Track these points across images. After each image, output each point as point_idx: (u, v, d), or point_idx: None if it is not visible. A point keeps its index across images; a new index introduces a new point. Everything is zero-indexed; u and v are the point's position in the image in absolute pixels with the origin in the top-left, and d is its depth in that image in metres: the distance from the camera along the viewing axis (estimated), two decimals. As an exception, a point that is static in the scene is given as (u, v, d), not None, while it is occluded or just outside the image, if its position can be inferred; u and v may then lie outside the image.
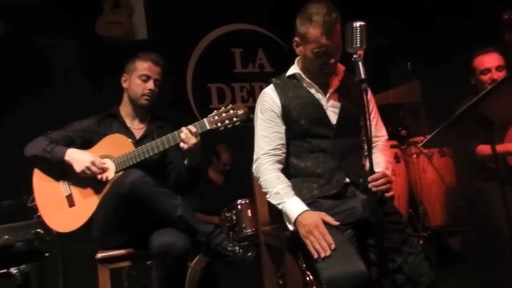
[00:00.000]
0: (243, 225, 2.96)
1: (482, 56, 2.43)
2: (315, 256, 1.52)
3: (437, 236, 3.51)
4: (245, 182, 3.53)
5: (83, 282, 2.46)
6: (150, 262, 2.78)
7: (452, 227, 3.48)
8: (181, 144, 1.93)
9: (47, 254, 2.40)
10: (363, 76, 1.52)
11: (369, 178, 1.53)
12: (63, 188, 2.01)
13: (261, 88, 4.74)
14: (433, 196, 3.36)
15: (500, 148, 2.19)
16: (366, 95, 1.52)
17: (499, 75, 2.36)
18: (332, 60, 1.70)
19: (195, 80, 4.40)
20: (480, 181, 2.45)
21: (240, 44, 4.58)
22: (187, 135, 1.91)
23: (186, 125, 2.00)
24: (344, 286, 1.42)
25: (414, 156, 3.43)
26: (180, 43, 4.20)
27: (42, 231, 2.20)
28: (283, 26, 4.40)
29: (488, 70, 2.38)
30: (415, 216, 3.41)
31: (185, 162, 2.02)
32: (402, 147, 3.52)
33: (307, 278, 2.57)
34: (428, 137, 1.88)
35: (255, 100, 4.50)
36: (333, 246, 1.50)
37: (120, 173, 1.96)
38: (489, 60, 2.39)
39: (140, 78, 2.11)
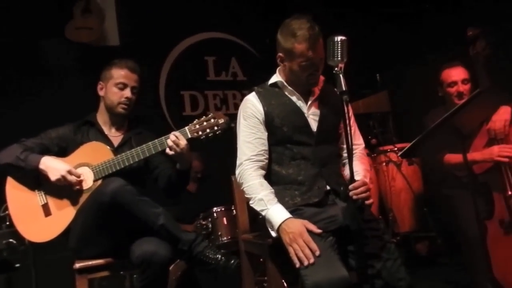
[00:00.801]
0: (219, 233, 2.97)
1: (449, 69, 2.56)
2: (297, 265, 1.56)
3: (405, 242, 3.63)
4: (218, 190, 3.55)
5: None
6: (123, 272, 2.76)
7: (419, 233, 3.61)
8: (168, 151, 1.92)
9: (17, 265, 2.33)
10: (344, 88, 1.58)
11: (350, 187, 1.58)
12: (39, 197, 1.96)
13: (234, 96, 4.84)
14: (401, 203, 3.48)
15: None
16: (347, 106, 1.58)
17: (464, 88, 2.50)
18: (318, 71, 1.77)
19: (168, 87, 4.38)
20: (447, 189, 2.57)
21: (213, 52, 4.60)
22: (174, 142, 1.91)
23: (159, 131, 2.00)
24: None
25: (384, 164, 3.54)
26: (153, 49, 4.17)
27: (14, 241, 2.13)
28: (256, 35, 4.54)
29: (454, 83, 2.51)
30: (385, 222, 3.51)
31: (177, 166, 2.01)
32: (373, 155, 3.63)
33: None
34: (407, 146, 1.96)
35: (228, 108, 4.58)
36: (317, 253, 1.53)
37: (99, 181, 1.94)
38: (456, 74, 2.52)
39: (116, 86, 2.08)
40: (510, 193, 2.19)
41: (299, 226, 1.60)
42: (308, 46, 1.69)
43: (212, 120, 1.98)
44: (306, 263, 1.53)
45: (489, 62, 2.33)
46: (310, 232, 1.59)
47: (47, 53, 3.78)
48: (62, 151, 2.03)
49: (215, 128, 1.98)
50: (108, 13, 4.23)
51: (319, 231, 1.61)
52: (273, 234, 1.69)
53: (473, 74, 2.45)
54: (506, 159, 2.22)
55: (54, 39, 3.83)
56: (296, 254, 1.56)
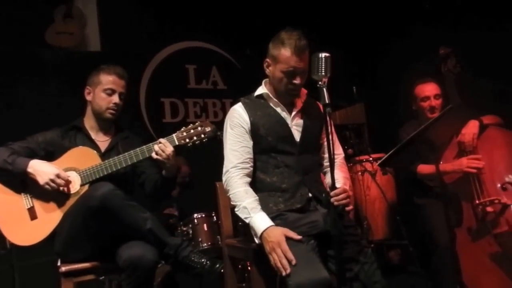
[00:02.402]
0: (199, 239, 3.01)
1: (422, 85, 2.71)
2: (279, 272, 1.64)
3: (378, 249, 3.75)
4: (199, 195, 3.59)
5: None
6: (103, 277, 2.76)
7: (392, 241, 3.74)
8: (154, 155, 1.96)
9: (-3, 269, 2.31)
10: (327, 101, 1.67)
11: (331, 193, 1.67)
12: (25, 200, 1.97)
13: (214, 105, 4.90)
14: (376, 211, 3.61)
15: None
16: (330, 117, 1.68)
17: (436, 103, 2.64)
18: (298, 81, 1.85)
19: (149, 94, 4.40)
20: (419, 198, 2.71)
21: (194, 61, 4.65)
22: (161, 148, 1.96)
23: (140, 137, 2.04)
24: None
25: (359, 173, 3.67)
26: (134, 56, 4.19)
27: (-4, 245, 2.12)
28: (237, 45, 4.62)
29: (427, 98, 2.65)
30: (360, 230, 3.63)
31: (163, 173, 2.05)
32: (349, 165, 3.75)
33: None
34: (385, 156, 2.07)
35: (208, 116, 4.65)
36: (293, 262, 1.61)
37: (86, 186, 1.97)
38: (428, 89, 2.67)
39: (105, 92, 2.11)
40: (477, 202, 2.33)
41: (278, 235, 1.68)
42: (293, 54, 1.79)
43: (199, 128, 2.04)
44: (283, 273, 1.61)
45: (459, 79, 2.49)
46: (290, 239, 1.67)
47: (28, 57, 3.76)
48: (49, 156, 2.04)
49: (202, 136, 2.04)
50: (89, 19, 4.23)
51: (299, 237, 1.69)
52: (257, 241, 1.77)
53: (444, 90, 2.60)
54: (474, 170, 2.36)
55: (34, 43, 3.82)
56: (275, 264, 1.65)
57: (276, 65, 1.86)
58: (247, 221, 1.78)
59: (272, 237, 1.68)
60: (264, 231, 1.71)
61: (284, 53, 1.81)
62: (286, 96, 1.92)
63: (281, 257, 1.63)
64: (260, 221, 1.74)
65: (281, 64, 1.83)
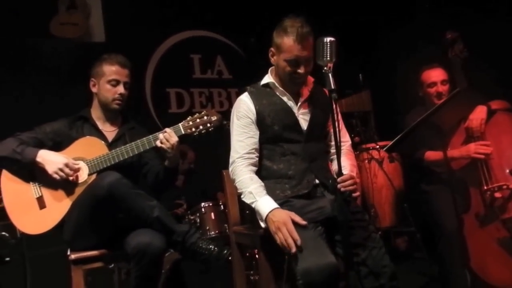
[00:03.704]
0: (207, 228, 3.03)
1: (429, 71, 2.68)
2: (286, 251, 1.64)
3: (386, 236, 3.76)
4: (204, 184, 3.60)
5: (49, 286, 2.42)
6: (112, 265, 2.79)
7: (399, 228, 3.75)
8: (160, 145, 1.97)
9: (7, 259, 2.34)
10: (333, 87, 1.66)
11: (338, 179, 1.67)
12: (33, 190, 1.98)
13: (220, 94, 4.90)
14: (383, 199, 3.61)
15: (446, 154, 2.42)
16: (336, 103, 1.67)
17: (443, 89, 2.61)
18: (302, 70, 1.83)
19: (154, 84, 4.41)
20: (426, 184, 2.70)
21: (199, 50, 4.66)
22: (165, 137, 1.96)
23: (145, 128, 2.04)
24: (317, 277, 1.54)
25: (366, 161, 3.66)
26: (139, 46, 4.20)
27: (7, 234, 2.15)
28: (242, 34, 4.60)
29: (434, 84, 2.63)
30: (368, 216, 3.63)
31: (165, 163, 2.06)
32: (355, 153, 3.74)
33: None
34: (391, 143, 2.06)
35: (213, 106, 4.64)
36: (299, 242, 1.61)
37: (94, 175, 1.98)
38: (435, 75, 2.64)
39: (109, 83, 2.11)
40: (485, 188, 2.32)
41: (284, 216, 1.69)
42: (295, 42, 1.78)
43: (205, 117, 2.04)
44: (292, 250, 1.61)
45: (467, 64, 2.46)
46: (296, 224, 1.67)
47: (32, 48, 3.77)
48: (56, 146, 2.06)
49: (208, 125, 2.04)
50: (93, 9, 4.24)
51: (304, 223, 1.69)
52: (262, 224, 1.77)
53: (451, 75, 2.57)
54: (482, 156, 2.34)
55: (39, 34, 3.82)
56: (281, 243, 1.64)
57: (280, 54, 1.84)
58: (252, 205, 1.78)
59: (278, 217, 1.68)
60: (270, 212, 1.71)
61: (286, 42, 1.80)
62: (291, 85, 1.91)
63: (287, 236, 1.63)
64: (265, 204, 1.75)
65: (284, 53, 1.82)
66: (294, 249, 1.61)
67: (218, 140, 2.20)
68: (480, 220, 2.33)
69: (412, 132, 1.95)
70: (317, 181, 1.87)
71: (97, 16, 4.25)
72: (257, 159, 1.90)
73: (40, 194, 1.98)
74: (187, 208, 3.38)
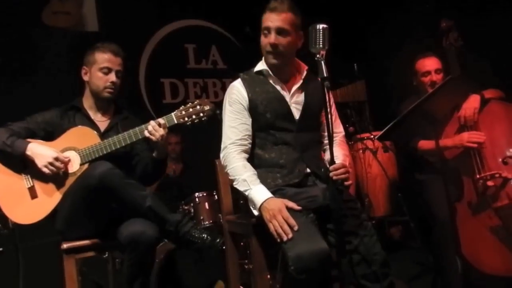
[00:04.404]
0: (201, 217, 3.04)
1: (423, 59, 2.67)
2: (278, 240, 1.64)
3: (380, 226, 3.78)
4: (201, 175, 3.59)
5: (42, 277, 2.42)
6: (107, 255, 2.80)
7: (393, 217, 3.77)
8: (149, 135, 1.96)
9: (0, 249, 2.34)
10: (325, 74, 1.65)
11: (330, 168, 1.67)
12: (25, 180, 1.98)
13: (214, 84, 4.87)
14: (377, 189, 3.62)
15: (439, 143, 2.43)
16: (328, 91, 1.66)
17: (437, 78, 2.61)
18: (272, 40, 1.83)
19: (148, 74, 4.38)
20: (420, 174, 2.70)
21: (193, 40, 4.61)
22: (154, 127, 1.95)
23: (139, 118, 2.03)
24: (309, 263, 1.55)
25: (361, 151, 3.66)
26: (132, 36, 4.14)
27: (-1, 225, 2.14)
28: (236, 23, 4.56)
29: (428, 73, 2.62)
30: (361, 207, 3.64)
31: (154, 154, 2.05)
32: (350, 143, 3.75)
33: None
34: (383, 130, 2.06)
35: (208, 96, 4.62)
36: (295, 228, 1.62)
37: (86, 165, 1.97)
38: (429, 64, 2.63)
39: (101, 71, 2.09)
40: (478, 176, 2.32)
41: (279, 204, 1.69)
42: (268, 12, 1.83)
43: (198, 107, 2.03)
44: (285, 238, 1.61)
45: (461, 52, 2.45)
46: (290, 209, 1.68)
47: (24, 38, 3.73)
48: (48, 136, 2.05)
49: (201, 114, 2.03)
50: (86, -2, 4.18)
51: (298, 208, 1.70)
52: (255, 212, 1.77)
53: (445, 64, 2.57)
54: (475, 145, 2.34)
55: (31, 23, 3.78)
56: (276, 230, 1.64)
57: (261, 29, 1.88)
58: (246, 193, 1.78)
59: (273, 205, 1.68)
60: (264, 201, 1.71)
61: (263, 17, 1.85)
62: (268, 59, 1.88)
63: (283, 223, 1.63)
64: (259, 192, 1.75)
65: (262, 26, 1.86)
66: (290, 235, 1.61)
67: (213, 129, 2.18)
68: (472, 208, 2.34)
69: (404, 120, 1.95)
70: (308, 170, 1.87)
71: (90, 5, 4.19)
72: (250, 146, 1.90)
73: (32, 184, 1.97)
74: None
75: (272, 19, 1.83)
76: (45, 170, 1.91)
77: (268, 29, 1.84)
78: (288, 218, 1.64)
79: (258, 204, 1.73)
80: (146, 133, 1.96)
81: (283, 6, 1.83)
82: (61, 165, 1.93)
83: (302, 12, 1.92)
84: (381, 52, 4.37)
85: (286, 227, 1.63)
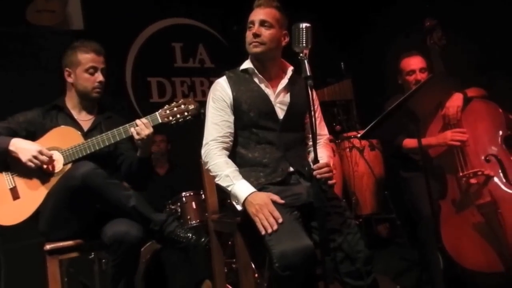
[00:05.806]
0: (188, 217, 3.02)
1: (408, 58, 2.69)
2: (263, 232, 1.64)
3: (367, 223, 3.81)
4: (188, 175, 3.58)
5: (25, 279, 2.38)
6: (93, 256, 2.78)
7: (380, 215, 3.80)
8: (134, 135, 1.94)
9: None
10: (308, 73, 1.65)
11: (314, 166, 1.68)
12: (7, 180, 1.95)
13: (202, 83, 4.85)
14: (364, 187, 3.65)
15: (423, 141, 2.45)
16: (311, 90, 1.66)
17: (422, 76, 2.63)
18: (254, 30, 1.86)
19: (135, 73, 4.34)
20: (405, 171, 2.73)
21: (180, 39, 4.59)
22: (140, 126, 1.94)
23: (126, 119, 2.02)
24: (293, 259, 1.55)
25: (348, 150, 3.69)
26: (119, 34, 4.11)
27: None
28: (224, 21, 4.55)
29: (413, 72, 2.64)
30: (348, 205, 3.67)
31: (138, 154, 2.04)
32: (337, 141, 3.77)
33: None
34: (366, 129, 2.07)
35: (195, 95, 4.61)
36: (280, 220, 1.63)
37: (69, 165, 1.95)
38: (414, 63, 2.65)
39: (87, 72, 2.06)
40: (461, 174, 2.35)
41: (264, 197, 1.70)
42: (254, 9, 1.89)
43: (183, 106, 2.02)
44: (270, 230, 1.62)
45: (445, 51, 2.47)
46: (277, 205, 1.69)
47: (7, 36, 3.68)
48: (30, 135, 2.02)
49: (185, 113, 2.02)
50: (71, -4, 4.14)
51: (282, 201, 1.71)
52: (239, 208, 1.77)
53: (429, 63, 2.59)
54: (458, 143, 2.37)
55: (14, 22, 3.73)
56: (262, 223, 1.65)
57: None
58: (229, 188, 1.77)
59: (258, 200, 1.69)
60: (249, 195, 1.72)
61: (250, 14, 1.90)
62: (250, 50, 1.90)
63: (268, 216, 1.64)
64: (243, 187, 1.75)
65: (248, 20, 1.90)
66: (275, 227, 1.62)
67: (198, 129, 2.18)
68: (456, 206, 2.36)
69: (387, 118, 1.96)
70: (291, 169, 1.87)
71: (75, 3, 4.15)
72: (231, 144, 1.90)
73: (14, 185, 1.94)
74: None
75: (257, 13, 1.89)
76: (30, 164, 1.88)
77: (253, 22, 1.89)
78: (273, 211, 1.65)
79: (242, 199, 1.73)
80: (132, 132, 1.95)
81: (268, 3, 1.89)
82: (46, 159, 1.90)
83: (289, 11, 1.94)
84: (368, 50, 4.40)
85: (272, 219, 1.63)
